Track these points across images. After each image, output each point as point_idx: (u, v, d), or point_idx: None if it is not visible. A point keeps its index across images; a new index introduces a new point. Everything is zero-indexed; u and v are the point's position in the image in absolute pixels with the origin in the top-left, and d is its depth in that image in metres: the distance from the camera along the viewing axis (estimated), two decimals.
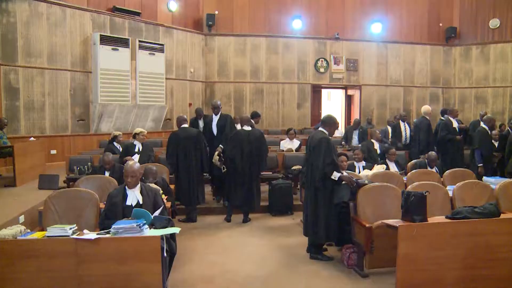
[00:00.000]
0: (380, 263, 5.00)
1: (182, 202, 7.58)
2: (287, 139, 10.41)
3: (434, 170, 7.37)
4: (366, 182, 5.47)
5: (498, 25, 15.74)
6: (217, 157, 7.68)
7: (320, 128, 5.79)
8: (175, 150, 7.48)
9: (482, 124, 8.92)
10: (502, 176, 7.55)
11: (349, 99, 17.09)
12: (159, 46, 13.17)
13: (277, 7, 15.38)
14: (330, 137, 5.69)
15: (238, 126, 8.42)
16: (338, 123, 5.95)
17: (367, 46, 15.98)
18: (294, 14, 15.32)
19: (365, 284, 4.90)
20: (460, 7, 16.35)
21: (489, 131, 8.49)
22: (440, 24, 16.47)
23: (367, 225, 4.87)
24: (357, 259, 5.23)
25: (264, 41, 15.33)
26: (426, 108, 9.71)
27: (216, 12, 14.89)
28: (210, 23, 14.82)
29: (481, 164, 8.32)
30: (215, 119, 8.45)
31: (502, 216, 4.67)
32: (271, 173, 8.77)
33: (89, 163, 8.12)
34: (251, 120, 8.40)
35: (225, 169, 7.50)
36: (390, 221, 4.43)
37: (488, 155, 8.39)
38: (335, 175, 5.43)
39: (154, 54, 12.97)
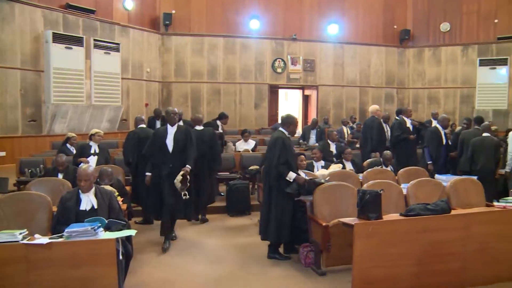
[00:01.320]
0: (337, 261, 5.06)
1: (147, 212, 7.32)
2: (242, 140, 10.43)
3: (389, 168, 7.52)
4: (323, 181, 5.53)
5: (448, 29, 16.26)
6: (181, 177, 5.91)
7: (280, 128, 5.82)
8: (134, 149, 7.32)
9: (434, 123, 9.18)
10: (453, 174, 7.78)
11: (306, 99, 17.27)
12: (114, 45, 12.93)
13: (235, 7, 15.37)
14: (290, 137, 5.76)
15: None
16: (297, 123, 5.99)
17: (324, 47, 16.18)
18: (251, 14, 15.34)
19: (322, 282, 4.93)
20: (413, 10, 16.80)
21: (441, 130, 8.72)
22: (395, 27, 16.87)
23: (323, 224, 4.91)
24: (315, 257, 5.26)
25: (222, 41, 15.29)
26: (373, 107, 9.88)
27: (173, 12, 14.75)
28: (167, 22, 14.67)
29: (431, 162, 8.57)
30: (171, 130, 6.29)
31: (453, 212, 4.82)
32: (228, 173, 8.76)
33: (41, 165, 7.88)
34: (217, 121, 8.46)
35: (187, 196, 6.05)
36: (346, 220, 4.47)
37: (437, 153, 8.63)
38: (290, 176, 5.48)
39: (109, 53, 12.73)
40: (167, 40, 14.92)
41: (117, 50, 12.97)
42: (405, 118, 9.54)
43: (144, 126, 7.79)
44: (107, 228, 4.12)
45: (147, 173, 6.32)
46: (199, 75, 15.18)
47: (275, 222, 5.58)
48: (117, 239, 3.94)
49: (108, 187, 5.31)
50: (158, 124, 9.73)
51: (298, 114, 16.97)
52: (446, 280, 4.68)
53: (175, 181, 5.92)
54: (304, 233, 5.50)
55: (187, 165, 6.10)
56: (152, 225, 7.27)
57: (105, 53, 12.59)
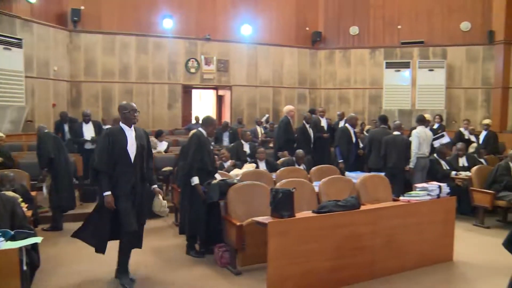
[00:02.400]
0: (253, 260, 5.10)
1: (63, 208, 7.15)
2: (156, 141, 10.24)
3: (301, 167, 7.70)
4: (235, 181, 5.55)
5: (357, 32, 16.94)
6: (164, 202, 5.21)
7: (200, 129, 5.86)
8: (50, 152, 6.96)
9: (342, 123, 9.53)
10: (362, 171, 8.12)
11: (220, 100, 17.27)
12: (16, 40, 12.09)
13: (147, 6, 15.01)
14: (207, 137, 5.86)
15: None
16: (216, 124, 6.06)
17: (238, 47, 16.25)
18: (164, 13, 15.04)
19: (238, 282, 4.96)
20: (324, 14, 17.30)
21: (350, 129, 9.06)
22: (307, 29, 17.29)
23: (238, 224, 4.93)
24: (230, 257, 5.28)
25: (134, 40, 14.87)
26: (287, 108, 10.04)
27: (82, 8, 14.11)
28: (76, 18, 13.99)
29: (341, 160, 8.89)
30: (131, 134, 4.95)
31: (362, 208, 5.04)
32: None
33: None
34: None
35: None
36: (260, 219, 4.51)
37: (347, 152, 8.97)
38: (193, 180, 5.61)
39: (10, 49, 11.90)
40: (75, 37, 14.26)
41: (20, 46, 12.14)
42: (320, 118, 9.85)
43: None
44: (12, 238, 3.84)
45: (106, 193, 4.67)
46: (110, 74, 14.67)
47: (190, 215, 5.69)
48: (20, 248, 3.69)
49: (11, 193, 4.98)
50: (66, 128, 9.32)
51: (212, 115, 16.89)
52: (358, 272, 4.89)
53: (162, 207, 5.06)
54: (219, 233, 5.49)
55: (155, 186, 5.13)
56: (61, 231, 6.94)
57: (5, 48, 11.75)
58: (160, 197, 5.09)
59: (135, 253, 5.91)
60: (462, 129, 10.82)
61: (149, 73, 15.08)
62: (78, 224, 5.07)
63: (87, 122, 9.01)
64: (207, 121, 5.94)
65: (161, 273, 5.26)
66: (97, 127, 9.16)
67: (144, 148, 4.91)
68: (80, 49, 14.31)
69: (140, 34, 14.92)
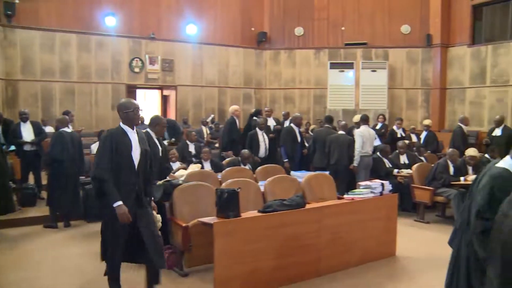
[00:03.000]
0: (199, 260, 5.06)
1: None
2: (98, 142, 9.98)
3: (247, 167, 7.70)
4: (180, 182, 5.48)
5: (302, 33, 17.13)
6: (158, 216, 4.73)
7: (147, 129, 5.75)
8: None
9: (287, 122, 9.63)
10: (308, 170, 8.20)
11: (165, 100, 17.01)
12: None
13: (89, 2, 14.53)
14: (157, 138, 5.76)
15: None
16: (164, 123, 5.92)
17: (183, 47, 16.06)
18: (107, 10, 14.62)
19: (185, 283, 4.92)
20: (270, 14, 17.39)
21: (295, 129, 9.15)
22: (252, 29, 17.33)
23: (183, 225, 4.86)
24: (176, 259, 5.21)
25: (75, 37, 14.36)
26: (232, 108, 10.05)
27: (17, 1, 13.42)
28: (9, 13, 13.20)
29: (287, 160, 8.99)
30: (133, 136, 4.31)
31: (307, 206, 5.09)
32: (84, 177, 8.31)
33: None
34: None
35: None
36: (206, 219, 4.48)
37: (293, 151, 9.07)
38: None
39: None
40: (10, 33, 13.58)
41: None
42: (268, 118, 9.91)
43: None
44: None
45: (117, 203, 3.94)
46: (50, 73, 14.11)
47: None
48: None
49: None
50: None
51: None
52: (304, 270, 4.93)
53: (156, 222, 4.44)
54: (165, 235, 5.39)
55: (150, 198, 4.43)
56: None
57: None
58: (154, 212, 4.53)
59: (79, 258, 5.74)
60: (395, 128, 11.20)
61: (92, 72, 14.64)
62: (16, 230, 4.81)
63: (24, 121, 8.59)
64: (154, 120, 5.81)
65: (105, 278, 5.11)
66: (36, 128, 8.77)
67: (148, 153, 4.30)
68: (16, 46, 13.65)
69: (82, 32, 14.44)
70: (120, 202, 3.94)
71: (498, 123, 10.26)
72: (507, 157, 2.76)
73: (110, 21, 14.59)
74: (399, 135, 10.85)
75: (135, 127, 4.23)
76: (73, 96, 14.31)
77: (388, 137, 10.92)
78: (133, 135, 4.18)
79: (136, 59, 15.25)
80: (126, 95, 15.10)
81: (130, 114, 4.16)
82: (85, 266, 5.48)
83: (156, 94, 17.35)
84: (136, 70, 15.26)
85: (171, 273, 5.17)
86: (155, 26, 15.53)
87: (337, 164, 8.36)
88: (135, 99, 15.58)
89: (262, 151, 9.03)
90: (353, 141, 8.51)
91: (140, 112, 4.27)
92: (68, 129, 7.38)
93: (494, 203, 2.66)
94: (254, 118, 10.15)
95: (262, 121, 9.30)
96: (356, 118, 9.11)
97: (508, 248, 2.15)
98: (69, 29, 14.24)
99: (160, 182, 5.42)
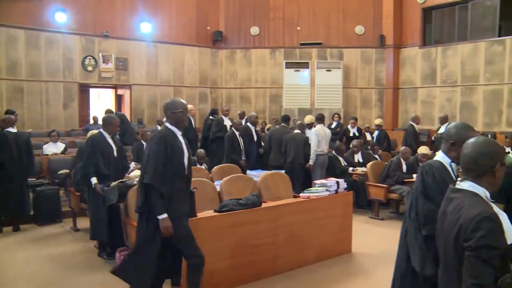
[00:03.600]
0: None
1: None
2: (50, 142, 9.69)
3: (203, 167, 7.65)
4: (135, 182, 5.37)
5: (258, 33, 17.18)
6: None
7: (100, 130, 5.71)
8: None
9: (243, 121, 9.64)
10: (264, 169, 8.22)
11: (119, 99, 16.71)
12: None
13: None
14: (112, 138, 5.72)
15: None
16: (117, 122, 5.82)
17: (137, 45, 15.80)
18: (57, 6, 14.15)
19: None
20: (225, 13, 17.35)
21: (251, 128, 9.16)
22: (208, 28, 17.25)
23: None
24: None
25: (23, 33, 13.87)
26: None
27: None
28: None
29: (244, 159, 8.98)
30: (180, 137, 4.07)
31: (264, 205, 5.09)
32: (35, 179, 8.05)
33: None
34: None
35: None
36: None
37: (249, 150, 9.08)
38: (92, 181, 5.49)
39: None
40: None
41: None
42: (223, 117, 9.87)
43: None
44: None
45: (163, 216, 3.67)
46: None
47: (92, 220, 5.61)
48: None
49: None
50: None
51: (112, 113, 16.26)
52: (261, 269, 4.93)
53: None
54: (120, 237, 5.30)
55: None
56: None
57: None
58: None
59: (30, 262, 5.55)
60: (349, 127, 11.37)
61: (42, 70, 14.18)
62: None
63: None
64: (106, 120, 5.76)
65: (57, 280, 4.96)
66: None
67: (191, 158, 4.08)
68: None
69: (30, 28, 13.95)
70: (166, 215, 3.66)
71: (443, 121, 10.59)
72: (440, 152, 2.87)
73: (61, 17, 14.16)
74: (351, 134, 11.02)
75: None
76: (22, 95, 13.83)
77: (341, 136, 11.07)
78: (181, 138, 3.91)
79: (89, 57, 14.89)
80: (78, 94, 14.76)
81: (178, 115, 3.86)
82: (37, 270, 5.30)
83: (110, 93, 17.03)
84: (89, 68, 14.90)
85: None
86: (109, 23, 15.21)
87: (293, 162, 8.42)
88: (88, 99, 15.45)
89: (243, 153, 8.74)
90: (308, 140, 8.58)
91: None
92: (13, 129, 7.07)
93: (427, 188, 2.80)
94: (211, 117, 10.10)
95: (239, 121, 9.19)
96: (308, 119, 9.16)
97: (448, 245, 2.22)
98: (16, 25, 13.70)
99: (114, 184, 5.31)
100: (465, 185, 2.22)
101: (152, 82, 16.17)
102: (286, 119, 9.37)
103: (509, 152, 9.14)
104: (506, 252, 2.03)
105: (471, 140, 2.27)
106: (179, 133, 3.88)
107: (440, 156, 2.85)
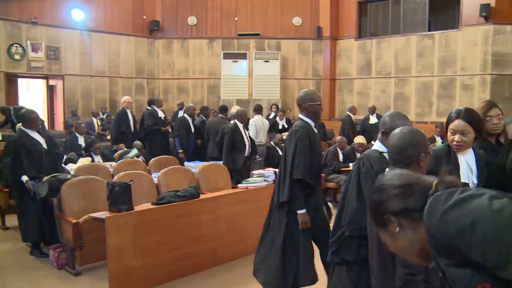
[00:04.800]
0: (93, 258, 4.89)
1: None
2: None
3: (140, 159, 7.53)
4: (69, 176, 5.22)
5: (195, 23, 16.99)
6: None
7: (21, 127, 5.51)
8: None
9: (181, 112, 9.54)
10: (202, 160, 8.18)
11: (51, 90, 15.98)
12: None
13: None
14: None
15: None
16: (35, 117, 5.53)
17: (70, 34, 15.16)
18: None
19: (78, 283, 4.68)
20: (162, 2, 16.98)
21: (188, 119, 9.09)
22: (144, 17, 16.84)
23: (74, 221, 4.63)
24: (67, 258, 4.96)
25: None
26: (123, 98, 9.82)
27: None
28: None
29: (181, 150, 8.93)
30: None
31: (202, 196, 5.08)
32: None
33: None
34: None
35: None
36: (97, 214, 4.31)
37: (187, 141, 9.02)
38: (22, 179, 5.28)
39: None
40: None
41: None
42: (156, 108, 9.67)
43: None
44: None
45: (303, 211, 3.70)
46: None
47: (21, 219, 5.44)
48: None
49: None
50: None
51: (42, 106, 15.59)
52: (202, 260, 4.93)
53: None
54: (53, 233, 5.13)
55: None
56: None
57: None
58: None
59: None
60: (277, 119, 11.36)
61: None
62: None
63: None
64: (23, 117, 5.49)
65: None
66: None
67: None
68: None
69: None
70: (305, 210, 3.66)
71: (373, 110, 10.93)
72: (377, 141, 2.92)
73: None
74: (280, 127, 10.99)
75: None
76: None
77: (270, 129, 11.06)
78: (315, 129, 3.88)
79: (15, 45, 14.09)
80: (5, 84, 13.98)
81: (316, 107, 3.81)
82: None
83: (41, 84, 16.26)
84: (17, 57, 14.13)
85: (62, 273, 4.90)
86: (37, 9, 14.48)
87: None
88: (16, 89, 14.69)
89: (248, 148, 8.09)
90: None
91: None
92: None
93: (361, 180, 2.78)
94: (148, 107, 9.89)
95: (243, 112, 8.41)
96: (234, 109, 9.10)
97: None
98: None
99: (46, 178, 5.11)
100: None
101: (86, 72, 15.59)
102: (223, 110, 9.33)
103: (438, 141, 9.60)
104: None
105: (396, 130, 2.33)
106: (313, 125, 3.85)
107: (377, 145, 2.88)
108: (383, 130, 2.79)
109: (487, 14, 13.18)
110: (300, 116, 3.88)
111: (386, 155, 2.71)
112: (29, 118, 5.40)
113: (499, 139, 3.32)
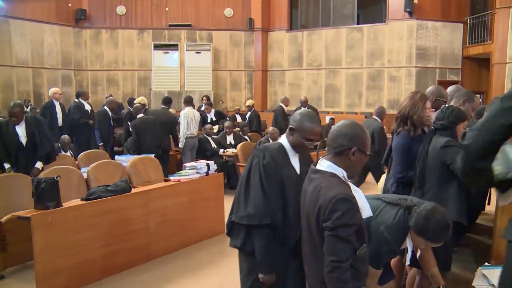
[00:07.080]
0: (18, 259, 4.69)
1: None
2: None
3: (68, 154, 7.28)
4: None
5: (124, 12, 16.51)
6: None
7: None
8: None
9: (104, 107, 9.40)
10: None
11: None
12: None
13: None
14: None
15: None
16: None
17: None
18: None
19: (3, 286, 4.47)
20: None
21: (109, 112, 9.03)
22: (69, 5, 16.12)
23: None
24: None
25: None
26: (51, 90, 9.52)
27: None
28: None
29: (102, 143, 8.80)
30: None
31: (134, 191, 4.99)
32: None
33: None
34: None
35: None
36: (22, 212, 4.12)
37: (108, 134, 8.92)
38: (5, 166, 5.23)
39: None
40: None
41: None
42: (83, 101, 9.37)
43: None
44: None
45: None
46: None
47: None
48: None
49: None
50: None
51: None
52: (135, 256, 4.87)
53: None
54: None
55: None
56: None
57: None
58: None
59: None
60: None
61: None
62: None
63: None
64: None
65: None
66: None
67: None
68: None
69: None
70: None
71: (305, 103, 11.13)
72: (284, 135, 2.84)
73: None
74: (209, 120, 10.87)
75: None
76: None
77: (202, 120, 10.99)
78: None
79: None
80: None
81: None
82: None
83: None
84: None
85: None
86: None
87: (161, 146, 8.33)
88: None
89: None
90: (175, 122, 8.58)
91: None
92: None
93: (250, 170, 2.79)
94: (75, 100, 9.53)
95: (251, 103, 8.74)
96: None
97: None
98: None
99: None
100: (325, 165, 2.33)
101: (6, 62, 14.64)
102: (167, 101, 9.15)
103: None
104: (359, 227, 2.21)
105: (341, 121, 2.37)
106: None
107: (282, 138, 2.83)
108: (291, 126, 2.72)
109: (411, 9, 13.83)
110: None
111: (288, 150, 2.74)
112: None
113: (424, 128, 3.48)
